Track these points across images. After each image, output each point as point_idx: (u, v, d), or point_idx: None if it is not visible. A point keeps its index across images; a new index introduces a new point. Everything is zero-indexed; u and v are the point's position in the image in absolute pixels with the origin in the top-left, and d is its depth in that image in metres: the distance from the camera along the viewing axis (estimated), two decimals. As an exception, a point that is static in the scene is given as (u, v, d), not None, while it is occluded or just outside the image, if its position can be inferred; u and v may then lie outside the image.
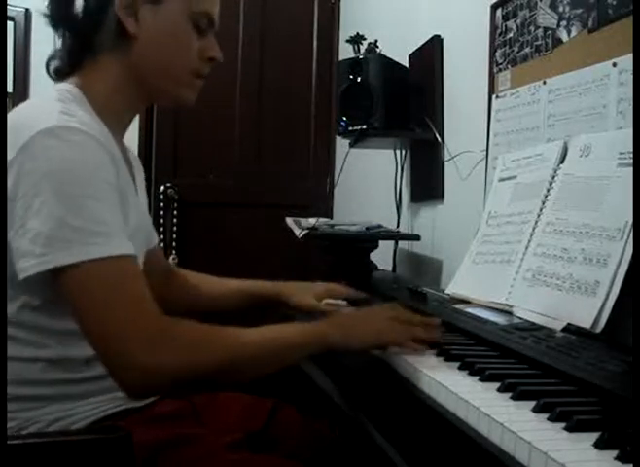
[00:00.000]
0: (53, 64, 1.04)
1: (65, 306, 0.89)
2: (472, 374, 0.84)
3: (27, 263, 0.82)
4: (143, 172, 1.21)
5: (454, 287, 1.41)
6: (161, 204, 2.82)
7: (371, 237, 2.05)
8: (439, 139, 1.99)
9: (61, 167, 0.83)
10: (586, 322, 0.99)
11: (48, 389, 0.92)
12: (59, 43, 1.03)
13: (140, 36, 0.99)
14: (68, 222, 0.82)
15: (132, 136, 1.21)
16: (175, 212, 2.84)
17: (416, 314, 1.06)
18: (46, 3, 1.01)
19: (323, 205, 3.13)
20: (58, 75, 1.03)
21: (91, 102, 0.97)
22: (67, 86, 0.98)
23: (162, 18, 1.00)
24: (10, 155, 0.85)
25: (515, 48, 1.60)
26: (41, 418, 0.92)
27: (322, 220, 2.13)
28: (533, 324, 1.08)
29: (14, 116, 0.92)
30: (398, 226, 2.24)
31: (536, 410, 0.69)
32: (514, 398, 0.73)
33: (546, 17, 1.47)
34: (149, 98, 1.09)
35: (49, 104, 0.91)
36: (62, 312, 0.91)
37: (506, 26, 1.64)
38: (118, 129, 1.04)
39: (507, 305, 1.21)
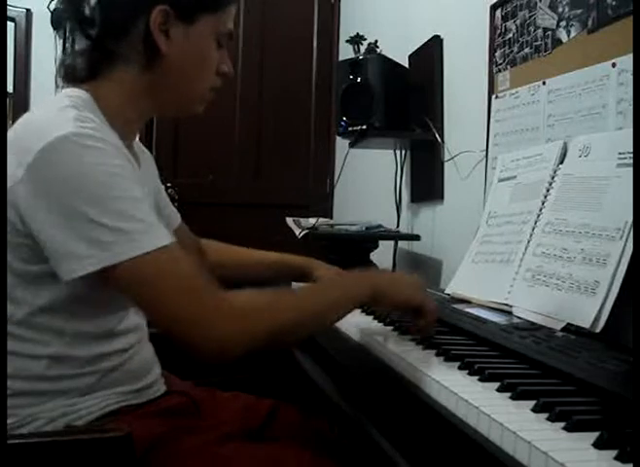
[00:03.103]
0: (67, 68, 1.03)
1: (77, 308, 0.92)
2: (472, 373, 0.84)
3: (74, 266, 0.84)
4: (154, 167, 1.23)
5: (454, 287, 1.41)
6: (162, 204, 2.83)
7: (371, 237, 2.05)
8: (439, 139, 1.99)
9: (85, 171, 0.84)
10: (585, 322, 0.99)
11: (51, 384, 0.93)
12: (75, 46, 1.02)
13: (169, 54, 0.99)
14: (107, 224, 0.83)
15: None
16: (175, 212, 2.84)
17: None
18: (60, 5, 1.01)
19: (323, 205, 3.14)
20: (71, 80, 1.02)
21: (102, 110, 0.97)
22: (78, 91, 0.97)
23: (193, 39, 1.00)
24: (26, 160, 0.85)
25: (515, 48, 1.60)
26: (42, 415, 0.92)
27: (322, 220, 2.14)
28: (533, 324, 1.08)
29: (26, 121, 0.92)
30: (398, 226, 2.24)
31: (535, 409, 0.69)
32: (513, 398, 0.73)
33: (545, 18, 1.47)
34: (160, 110, 1.10)
35: (62, 111, 0.90)
36: (74, 314, 0.93)
37: (505, 27, 1.64)
38: (126, 137, 1.04)
39: (507, 304, 1.21)
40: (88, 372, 0.95)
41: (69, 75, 1.02)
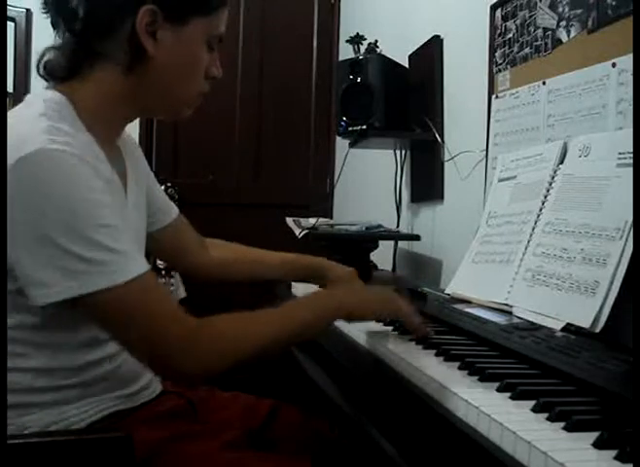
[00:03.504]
0: (49, 64, 0.98)
1: (59, 320, 0.90)
2: (471, 373, 0.84)
3: (41, 292, 0.82)
4: (143, 159, 1.19)
5: (454, 287, 1.41)
6: (162, 204, 2.83)
7: (371, 237, 2.05)
8: (439, 139, 1.99)
9: (56, 196, 0.81)
10: (585, 322, 0.99)
11: (40, 396, 0.91)
12: (57, 42, 0.97)
13: (156, 57, 0.94)
14: (77, 253, 0.81)
15: (132, 136, 1.20)
16: (175, 212, 2.84)
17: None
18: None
19: (323, 205, 3.14)
20: (53, 77, 0.97)
21: (79, 113, 0.93)
22: (54, 94, 0.93)
23: (183, 42, 0.96)
24: None
25: (515, 48, 1.60)
26: (36, 423, 0.91)
27: (322, 220, 2.14)
28: (533, 324, 1.08)
29: None
30: (398, 226, 2.24)
31: (535, 409, 0.69)
32: (513, 398, 0.73)
33: (545, 18, 1.47)
34: (144, 114, 1.07)
35: (34, 121, 0.86)
36: (56, 327, 0.91)
37: (505, 27, 1.64)
38: (108, 137, 1.00)
39: (507, 304, 1.21)
40: (77, 382, 0.94)
41: (48, 72, 0.97)
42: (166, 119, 1.14)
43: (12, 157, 0.81)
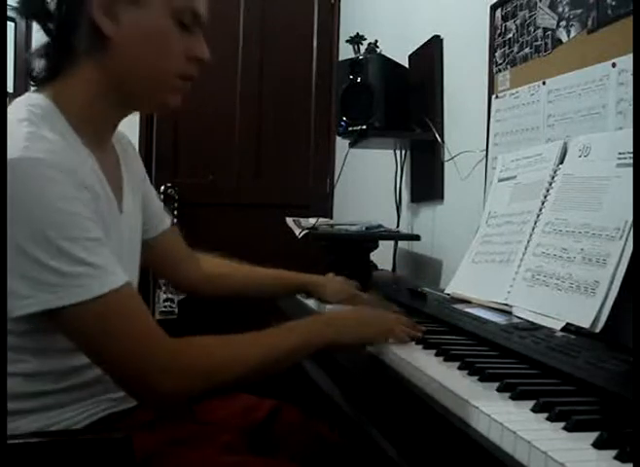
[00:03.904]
0: (33, 68, 0.95)
1: (47, 324, 0.86)
2: (471, 373, 0.84)
3: (14, 303, 0.80)
4: (139, 162, 1.16)
5: (454, 287, 1.41)
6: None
7: (371, 237, 2.05)
8: (439, 139, 1.99)
9: (34, 207, 0.78)
10: (585, 322, 0.99)
11: (28, 402, 0.90)
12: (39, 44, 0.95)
13: (118, 39, 0.90)
14: (51, 266, 0.78)
15: (132, 136, 1.19)
16: (175, 212, 2.84)
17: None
18: None
19: (323, 205, 3.14)
20: (37, 81, 0.95)
21: (66, 115, 0.90)
22: (39, 98, 0.90)
23: (143, 19, 0.91)
24: None
25: (515, 48, 1.60)
26: (26, 428, 0.89)
27: (322, 220, 2.14)
28: (532, 324, 1.08)
29: None
30: (398, 226, 2.24)
31: (535, 409, 0.69)
32: (513, 398, 0.74)
33: (545, 18, 1.47)
34: (132, 105, 1.01)
35: (12, 128, 0.83)
36: (44, 332, 0.88)
37: (505, 27, 1.64)
38: (98, 138, 0.97)
39: (506, 304, 1.21)
40: (69, 386, 0.93)
41: (33, 76, 0.95)
42: (156, 111, 1.10)
43: None
